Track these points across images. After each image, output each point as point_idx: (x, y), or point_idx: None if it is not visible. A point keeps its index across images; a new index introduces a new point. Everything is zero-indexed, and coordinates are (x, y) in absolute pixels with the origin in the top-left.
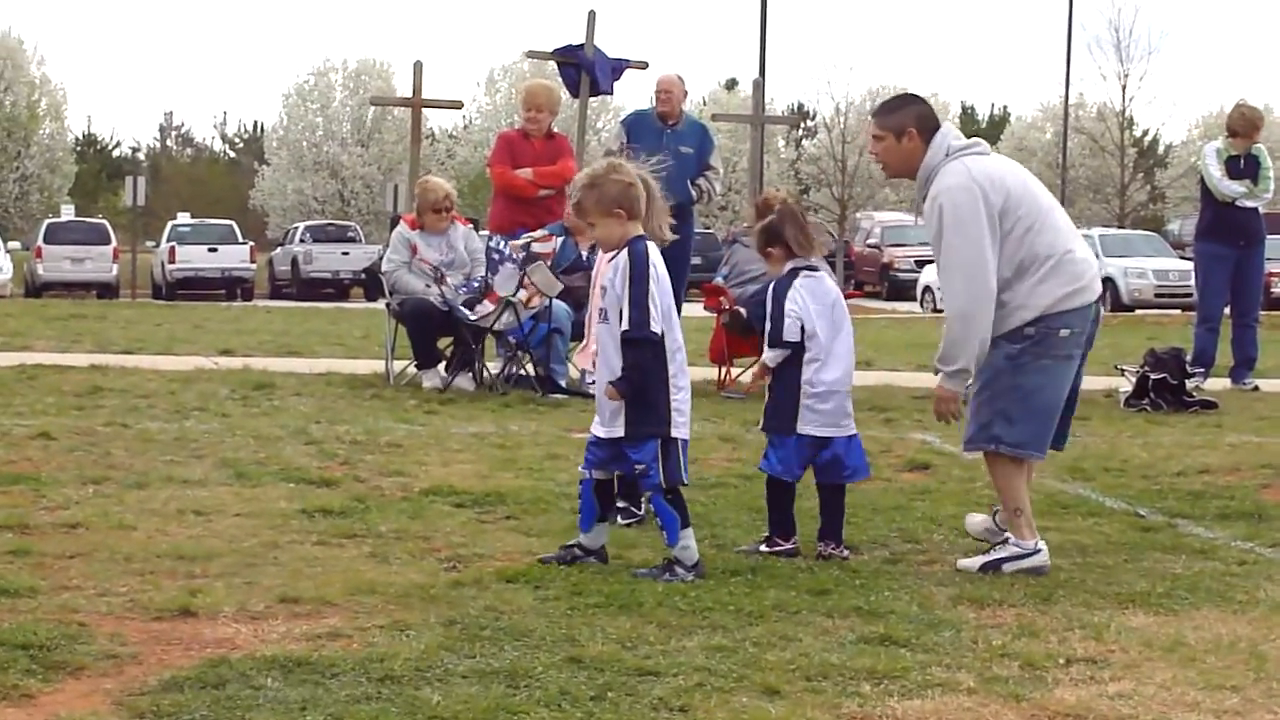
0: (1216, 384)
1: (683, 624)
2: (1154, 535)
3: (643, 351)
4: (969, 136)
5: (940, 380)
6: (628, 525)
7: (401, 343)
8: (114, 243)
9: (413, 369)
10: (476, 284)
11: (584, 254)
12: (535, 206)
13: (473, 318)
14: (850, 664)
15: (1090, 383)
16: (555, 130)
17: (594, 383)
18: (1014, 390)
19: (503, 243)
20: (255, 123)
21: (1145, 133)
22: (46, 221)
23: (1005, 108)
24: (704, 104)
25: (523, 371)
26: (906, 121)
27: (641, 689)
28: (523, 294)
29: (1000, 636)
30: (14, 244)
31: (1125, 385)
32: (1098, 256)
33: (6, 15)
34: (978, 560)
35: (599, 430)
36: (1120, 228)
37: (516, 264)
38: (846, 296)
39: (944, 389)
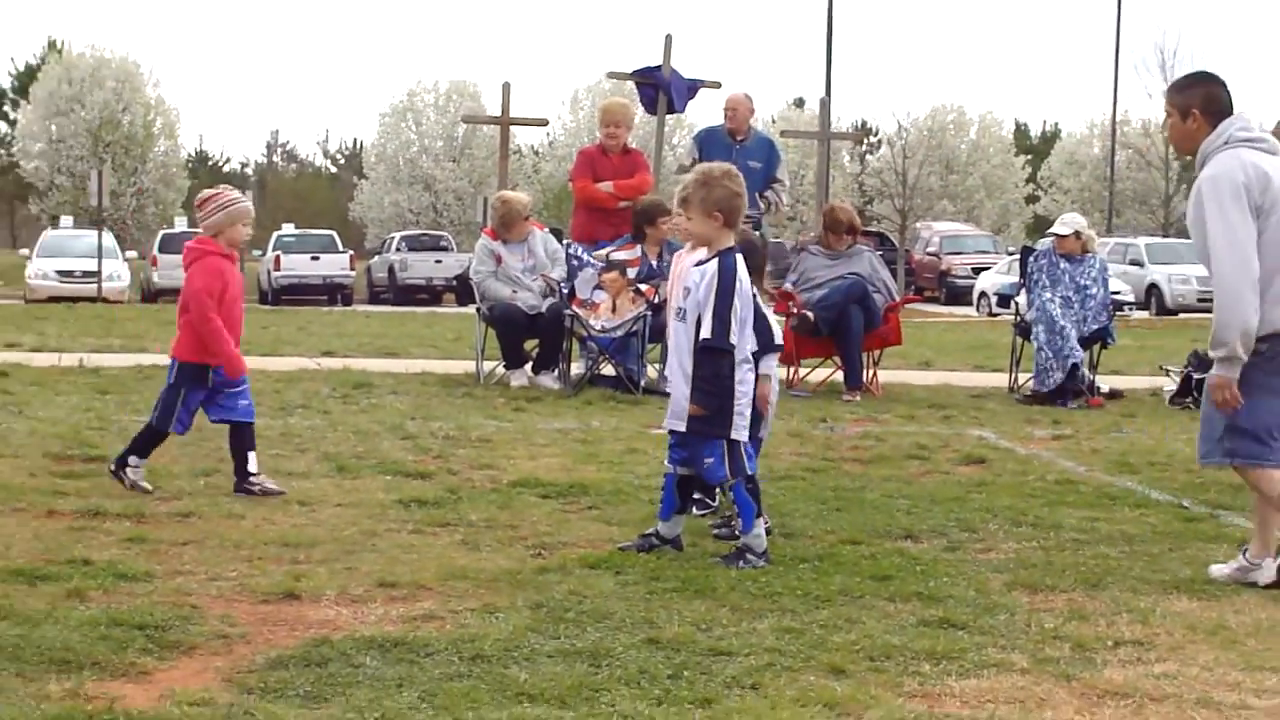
0: None
1: (754, 607)
2: (1197, 525)
3: (719, 361)
4: (1023, 151)
5: (1214, 369)
6: (701, 515)
7: (490, 345)
8: None
9: (501, 369)
10: (566, 290)
11: (654, 262)
12: (614, 217)
13: (597, 328)
14: (911, 645)
15: (1136, 382)
16: (632, 145)
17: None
18: (1245, 405)
19: (583, 250)
20: (355, 140)
21: None
22: (161, 232)
23: (1057, 124)
24: (773, 121)
25: (603, 372)
26: (1192, 102)
27: (715, 668)
28: (600, 294)
29: (1052, 620)
30: (131, 253)
31: (1170, 385)
32: (1143, 265)
33: (125, 41)
34: (1228, 568)
35: (672, 424)
36: (1164, 237)
37: (596, 269)
38: (906, 301)
39: (1218, 377)
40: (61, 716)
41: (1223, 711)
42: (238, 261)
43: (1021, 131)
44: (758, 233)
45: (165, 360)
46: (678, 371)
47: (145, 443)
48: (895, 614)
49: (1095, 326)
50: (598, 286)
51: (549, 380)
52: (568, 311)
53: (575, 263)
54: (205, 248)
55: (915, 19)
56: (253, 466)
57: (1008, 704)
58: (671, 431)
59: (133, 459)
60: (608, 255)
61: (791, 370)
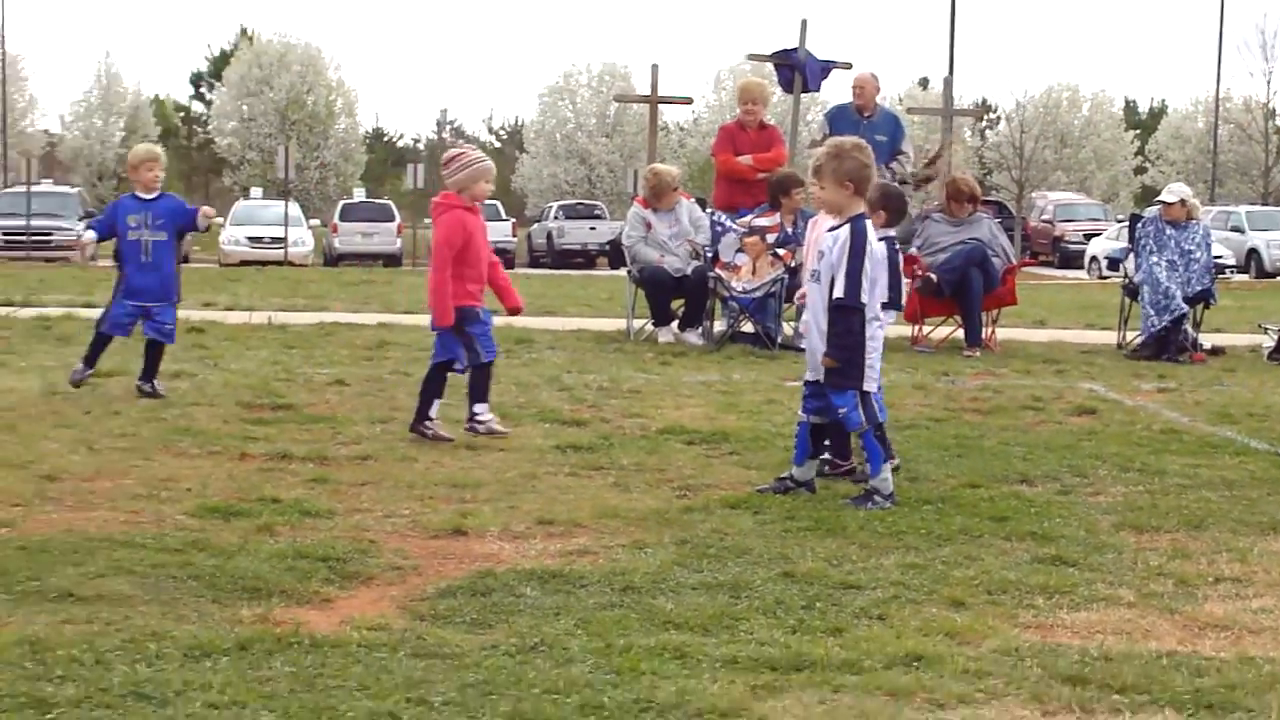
0: None
1: (880, 545)
2: None
3: (851, 318)
4: (1132, 127)
5: None
6: (836, 476)
7: (640, 304)
8: (398, 220)
9: (650, 327)
10: (710, 254)
11: (789, 229)
12: (753, 187)
13: (738, 289)
14: (1025, 580)
15: (1236, 339)
16: (768, 121)
17: (804, 337)
18: None
19: (724, 218)
20: (516, 118)
21: None
22: (341, 202)
23: (1164, 100)
24: (900, 99)
25: (743, 329)
26: None
27: (845, 600)
28: (741, 258)
29: (1156, 558)
30: (314, 221)
31: (1269, 341)
32: (1244, 231)
33: (309, 28)
34: None
35: (810, 375)
36: (1264, 205)
37: (737, 235)
38: (1022, 265)
39: None
40: (252, 639)
41: None
42: (480, 214)
43: (1130, 108)
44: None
45: (344, 318)
46: (814, 329)
47: (484, 384)
48: (1011, 552)
49: (1199, 288)
50: (739, 250)
51: (693, 337)
52: (711, 274)
53: (718, 229)
54: (449, 203)
55: (1033, 1)
56: (433, 412)
57: (1115, 635)
58: (806, 383)
59: (478, 407)
60: (749, 222)
61: (916, 328)
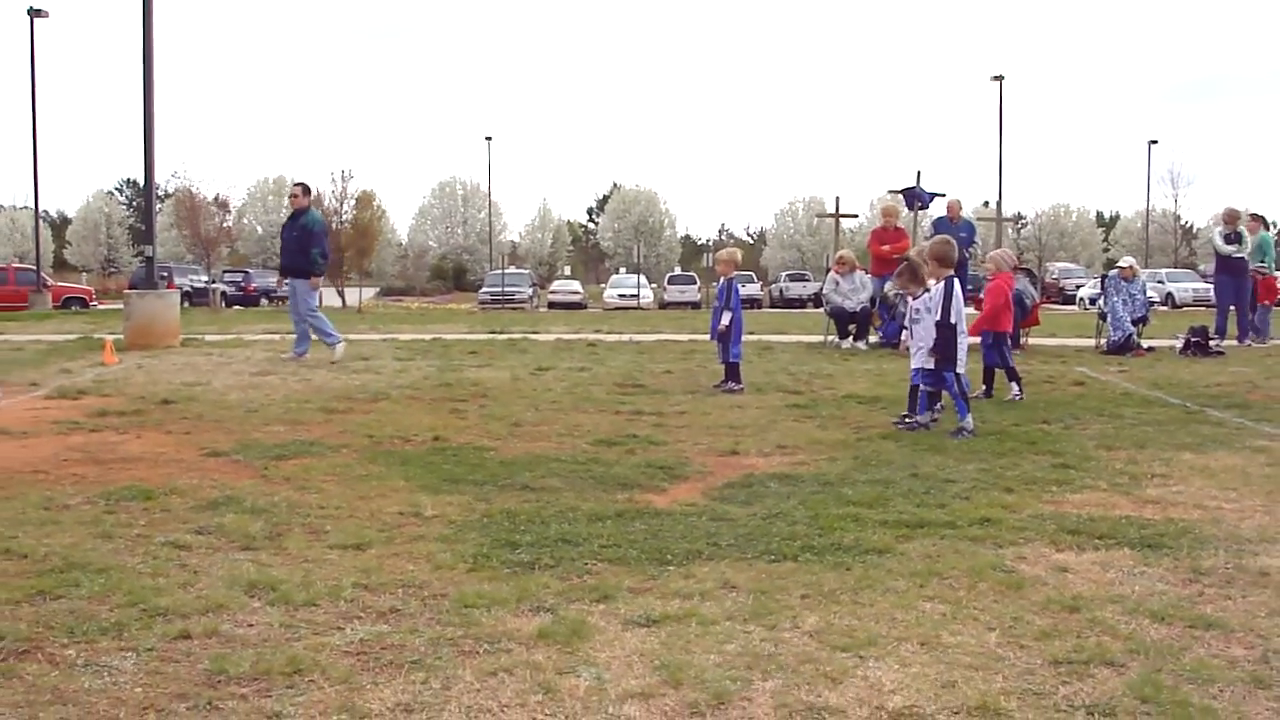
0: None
1: (965, 458)
2: (1193, 416)
3: (948, 331)
4: (1100, 226)
5: None
6: (909, 428)
7: (830, 328)
8: (698, 283)
9: (835, 339)
10: (868, 301)
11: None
12: (889, 264)
13: (853, 308)
14: (1046, 477)
15: (1161, 342)
16: (900, 225)
17: (913, 346)
18: None
19: (873, 280)
20: (760, 226)
21: None
22: (668, 274)
23: (1118, 211)
24: (973, 210)
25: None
26: None
27: (947, 488)
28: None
29: (1119, 464)
30: (653, 285)
31: (1178, 344)
32: (1164, 283)
33: (653, 178)
34: None
35: (922, 363)
36: (1175, 268)
37: (879, 288)
38: (1042, 303)
39: None
40: (623, 510)
41: (1207, 509)
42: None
43: (1099, 215)
44: (959, 268)
45: (670, 336)
46: (926, 340)
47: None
48: (1038, 460)
49: (1139, 315)
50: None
51: (861, 345)
52: (871, 309)
53: (864, 285)
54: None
55: (1047, 146)
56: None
57: (1095, 507)
58: (920, 370)
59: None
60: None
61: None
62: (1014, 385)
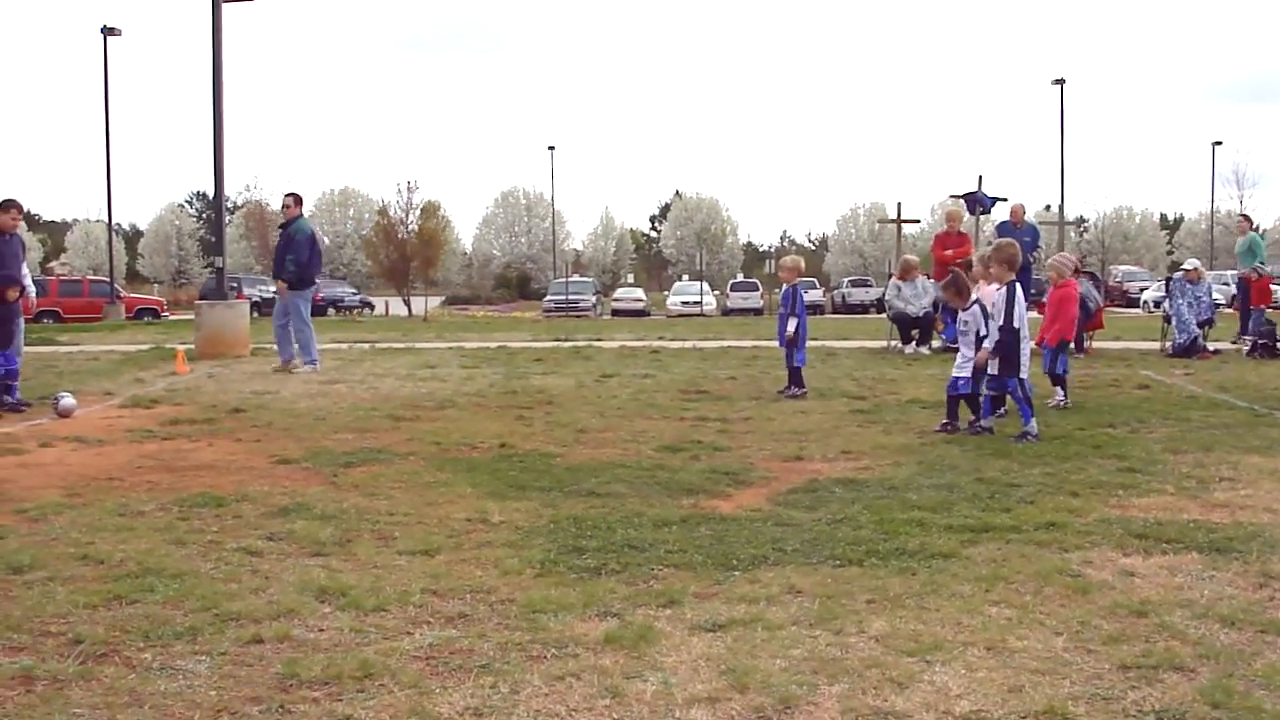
0: None
1: (1030, 462)
2: (1260, 418)
3: (1011, 336)
4: (1164, 229)
5: None
6: (978, 431)
7: (893, 333)
8: (760, 289)
9: (898, 344)
10: (930, 306)
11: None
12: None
13: (916, 313)
14: (1110, 480)
15: (1226, 345)
16: (962, 230)
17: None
18: None
19: (935, 285)
20: (822, 232)
21: None
22: (730, 281)
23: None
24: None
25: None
26: None
27: (1011, 492)
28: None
29: (1185, 467)
30: (716, 291)
31: (1245, 347)
32: (1229, 285)
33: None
34: None
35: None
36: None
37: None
38: (1106, 306)
39: None
40: (689, 516)
41: (1277, 513)
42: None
43: (1163, 218)
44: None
45: (733, 343)
46: (967, 349)
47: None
48: (1103, 464)
49: (1204, 318)
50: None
51: (924, 349)
52: (911, 311)
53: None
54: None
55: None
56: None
57: (1162, 511)
58: (988, 375)
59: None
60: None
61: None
62: (1058, 390)
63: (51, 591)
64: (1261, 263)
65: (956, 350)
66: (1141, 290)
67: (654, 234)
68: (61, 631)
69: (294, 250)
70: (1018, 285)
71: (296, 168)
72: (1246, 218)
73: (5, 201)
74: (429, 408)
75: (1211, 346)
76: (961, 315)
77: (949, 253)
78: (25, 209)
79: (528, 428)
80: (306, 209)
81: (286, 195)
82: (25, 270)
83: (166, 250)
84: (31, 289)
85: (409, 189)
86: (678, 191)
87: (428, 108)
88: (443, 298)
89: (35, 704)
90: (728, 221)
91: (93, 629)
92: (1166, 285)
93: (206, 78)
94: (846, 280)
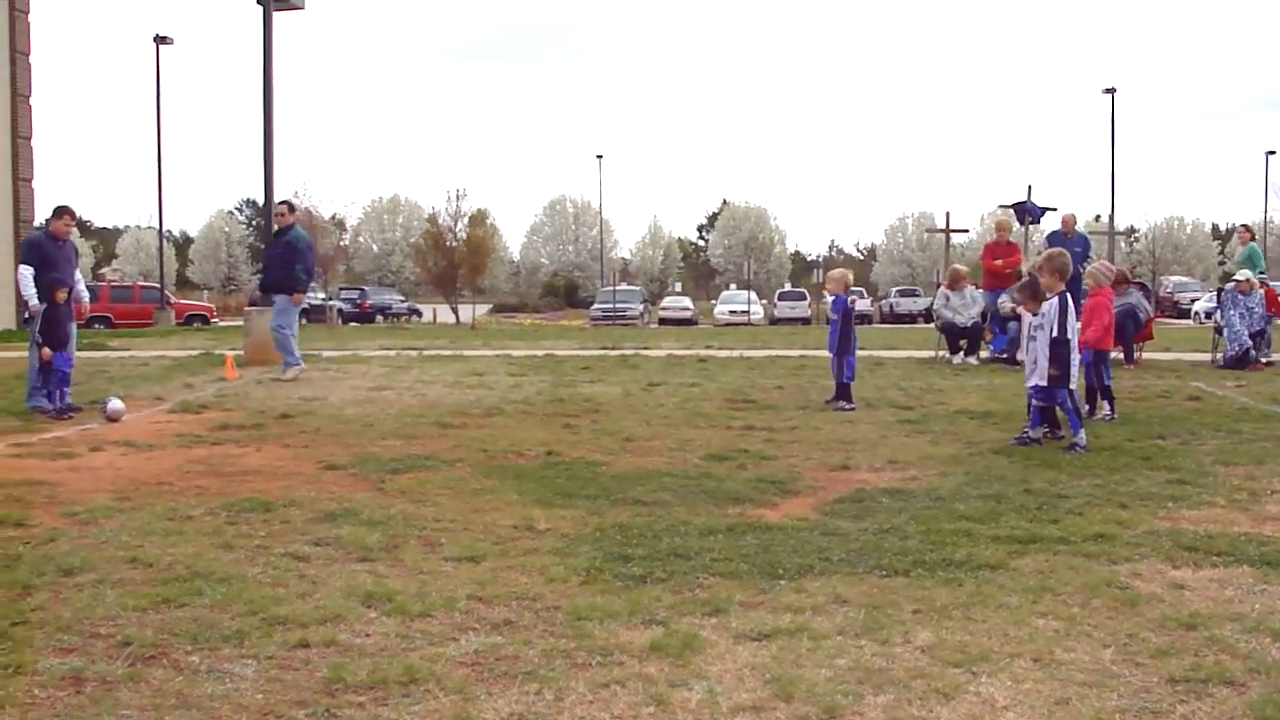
0: None
1: (1079, 473)
2: None
3: (1063, 347)
4: (1216, 239)
5: None
6: (1052, 438)
7: (941, 343)
8: (809, 298)
9: (947, 354)
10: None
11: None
12: (1002, 278)
13: (964, 323)
14: (1160, 492)
15: None
16: (1012, 240)
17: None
18: None
19: (984, 295)
20: (871, 241)
21: None
22: (778, 290)
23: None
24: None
25: (1000, 356)
26: None
27: (1059, 503)
28: (985, 303)
29: (1237, 480)
30: (763, 301)
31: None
32: None
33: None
34: None
35: (1037, 380)
36: None
37: (991, 302)
38: (1156, 317)
39: None
40: (735, 525)
41: None
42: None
43: (1214, 228)
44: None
45: (779, 351)
46: (1040, 358)
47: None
48: (1153, 476)
49: (1257, 329)
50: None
51: (972, 360)
52: (959, 321)
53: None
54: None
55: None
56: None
57: (1213, 524)
58: (1035, 386)
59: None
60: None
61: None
62: (1105, 404)
63: (101, 594)
64: (1262, 272)
65: (1004, 360)
66: (1192, 301)
67: (702, 243)
68: (111, 634)
69: (299, 259)
70: (1068, 295)
71: (345, 175)
72: (1247, 228)
73: (59, 208)
74: (476, 415)
75: (1263, 358)
76: (1033, 320)
77: (998, 262)
78: (78, 215)
79: (574, 435)
80: (354, 217)
81: (280, 203)
82: (79, 276)
83: (216, 257)
84: (85, 295)
85: (457, 197)
86: (725, 200)
87: (477, 117)
88: (490, 305)
89: (84, 705)
90: (775, 230)
91: (141, 631)
92: (1218, 296)
93: (257, 85)
94: (894, 290)
